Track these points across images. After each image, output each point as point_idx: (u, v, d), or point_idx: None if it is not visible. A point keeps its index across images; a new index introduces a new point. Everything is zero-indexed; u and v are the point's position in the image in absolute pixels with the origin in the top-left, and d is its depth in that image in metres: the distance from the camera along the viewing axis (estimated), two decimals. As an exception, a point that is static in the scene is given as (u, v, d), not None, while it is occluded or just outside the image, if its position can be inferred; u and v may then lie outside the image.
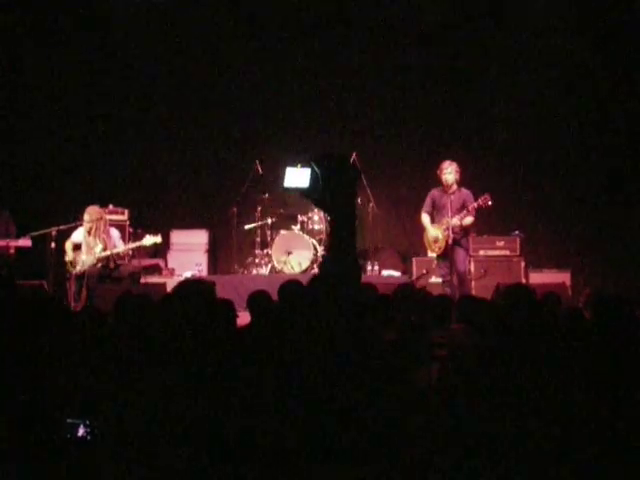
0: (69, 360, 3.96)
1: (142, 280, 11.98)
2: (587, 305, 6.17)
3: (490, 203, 10.35)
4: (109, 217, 11.87)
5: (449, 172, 10.61)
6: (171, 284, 10.65)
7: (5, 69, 13.79)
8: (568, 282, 11.82)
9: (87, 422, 3.35)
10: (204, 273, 13.21)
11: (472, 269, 11.62)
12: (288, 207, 13.13)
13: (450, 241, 10.33)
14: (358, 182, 2.88)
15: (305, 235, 12.58)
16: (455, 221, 10.33)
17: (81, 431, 3.34)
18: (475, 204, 10.39)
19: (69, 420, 3.38)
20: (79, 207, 11.78)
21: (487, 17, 13.29)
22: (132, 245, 11.58)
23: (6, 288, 5.13)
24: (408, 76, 13.65)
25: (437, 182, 10.80)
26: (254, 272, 12.90)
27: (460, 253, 10.53)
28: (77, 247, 11.35)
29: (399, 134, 13.76)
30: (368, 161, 12.82)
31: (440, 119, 13.61)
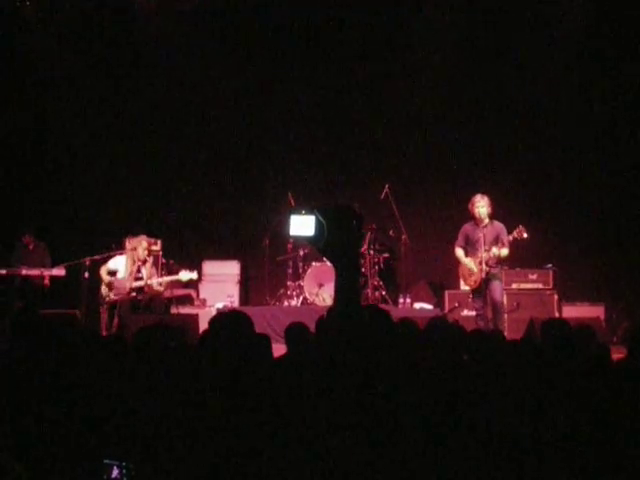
0: (99, 393, 3.91)
1: (174, 310, 12.09)
2: (624, 340, 6.02)
3: (525, 235, 10.23)
4: (142, 247, 11.94)
5: (482, 206, 10.50)
6: (203, 315, 10.73)
7: (42, 105, 14.01)
8: (602, 316, 11.69)
9: (122, 463, 3.27)
10: (236, 304, 13.22)
11: (505, 302, 11.47)
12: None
13: (484, 275, 10.24)
14: (362, 231, 2.87)
15: (337, 267, 12.40)
16: (495, 250, 10.23)
17: (115, 473, 3.27)
18: (510, 237, 10.27)
19: (105, 461, 3.31)
20: (112, 238, 12.18)
21: (511, 51, 13.29)
22: (168, 278, 11.67)
23: (30, 318, 5.09)
24: (440, 109, 13.62)
25: (469, 215, 10.71)
26: (286, 303, 12.88)
27: (496, 284, 10.39)
28: (111, 274, 11.51)
29: (431, 167, 13.73)
30: (401, 194, 12.94)
31: (472, 152, 13.57)
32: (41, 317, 5.16)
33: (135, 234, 11.79)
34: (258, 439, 3.22)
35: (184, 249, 13.52)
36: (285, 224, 12.56)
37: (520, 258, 12.06)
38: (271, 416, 3.33)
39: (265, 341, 4.55)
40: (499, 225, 10.52)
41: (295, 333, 5.74)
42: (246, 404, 3.44)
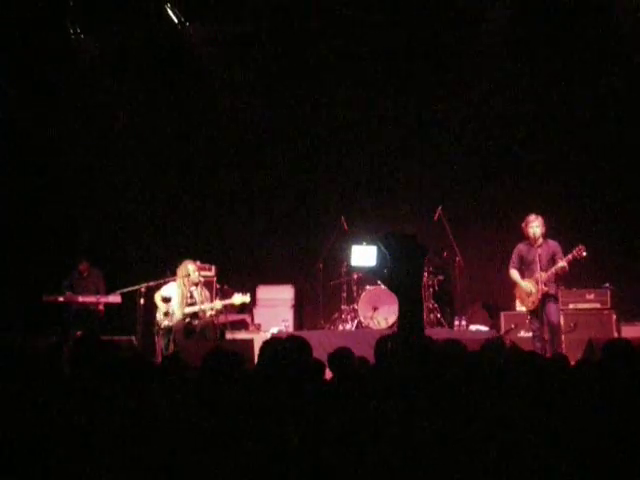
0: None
1: (228, 336, 12.12)
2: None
3: (585, 254, 10.14)
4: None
5: (536, 226, 10.46)
6: (258, 340, 10.66)
7: (98, 131, 14.29)
8: (663, 335, 11.47)
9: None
10: (290, 329, 13.14)
11: (562, 323, 11.32)
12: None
13: (541, 295, 10.13)
14: (424, 261, 2.87)
15: (391, 290, 12.23)
16: (561, 263, 10.16)
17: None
18: (570, 255, 10.20)
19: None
20: (167, 264, 12.21)
21: (567, 66, 13.07)
22: (221, 302, 11.66)
23: (91, 346, 4.99)
24: (493, 129, 13.55)
25: (522, 235, 10.63)
26: (340, 327, 12.80)
27: (553, 305, 10.33)
28: (165, 301, 11.58)
29: (484, 187, 13.62)
30: (453, 215, 12.85)
31: (527, 171, 13.43)
32: (103, 344, 5.14)
33: (180, 261, 11.85)
34: (311, 464, 3.24)
35: (238, 275, 13.49)
36: (339, 248, 12.90)
37: (577, 278, 11.89)
38: (323, 441, 3.36)
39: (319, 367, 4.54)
40: (554, 243, 10.45)
41: (339, 359, 5.70)
42: (298, 428, 3.43)
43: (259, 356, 4.89)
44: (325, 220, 13.68)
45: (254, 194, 14.43)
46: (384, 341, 5.53)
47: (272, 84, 14.00)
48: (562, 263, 10.23)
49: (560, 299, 11.08)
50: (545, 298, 10.22)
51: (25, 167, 14.20)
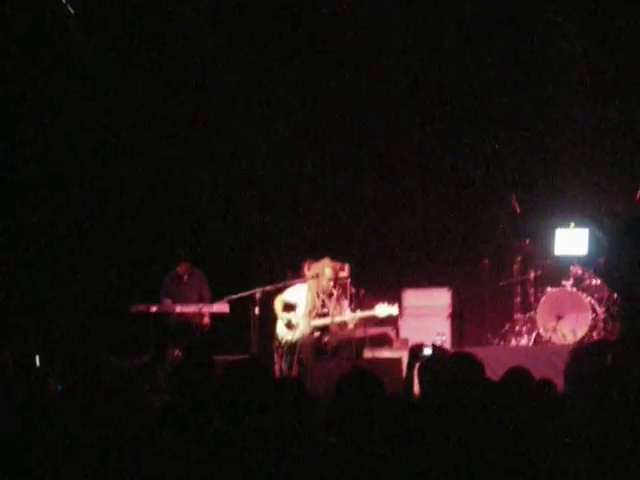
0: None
1: (367, 354, 11.24)
2: None
3: None
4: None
5: None
6: (406, 359, 9.26)
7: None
8: None
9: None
10: (447, 344, 11.60)
11: None
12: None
13: None
14: None
15: (581, 293, 10.86)
16: None
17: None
18: None
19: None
20: (287, 264, 11.87)
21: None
22: (360, 315, 10.58)
23: (202, 367, 4.72)
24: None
25: None
26: (513, 342, 11.58)
27: None
28: (288, 308, 10.86)
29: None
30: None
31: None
32: (213, 364, 4.88)
33: (317, 258, 10.83)
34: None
35: (378, 275, 12.39)
36: (509, 238, 11.95)
37: None
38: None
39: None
40: None
41: (512, 381, 5.18)
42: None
43: (419, 378, 4.99)
44: (490, 202, 12.36)
45: (395, 171, 13.08)
46: (583, 354, 5.08)
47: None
48: None
49: None
50: None
51: (110, 164, 13.43)
